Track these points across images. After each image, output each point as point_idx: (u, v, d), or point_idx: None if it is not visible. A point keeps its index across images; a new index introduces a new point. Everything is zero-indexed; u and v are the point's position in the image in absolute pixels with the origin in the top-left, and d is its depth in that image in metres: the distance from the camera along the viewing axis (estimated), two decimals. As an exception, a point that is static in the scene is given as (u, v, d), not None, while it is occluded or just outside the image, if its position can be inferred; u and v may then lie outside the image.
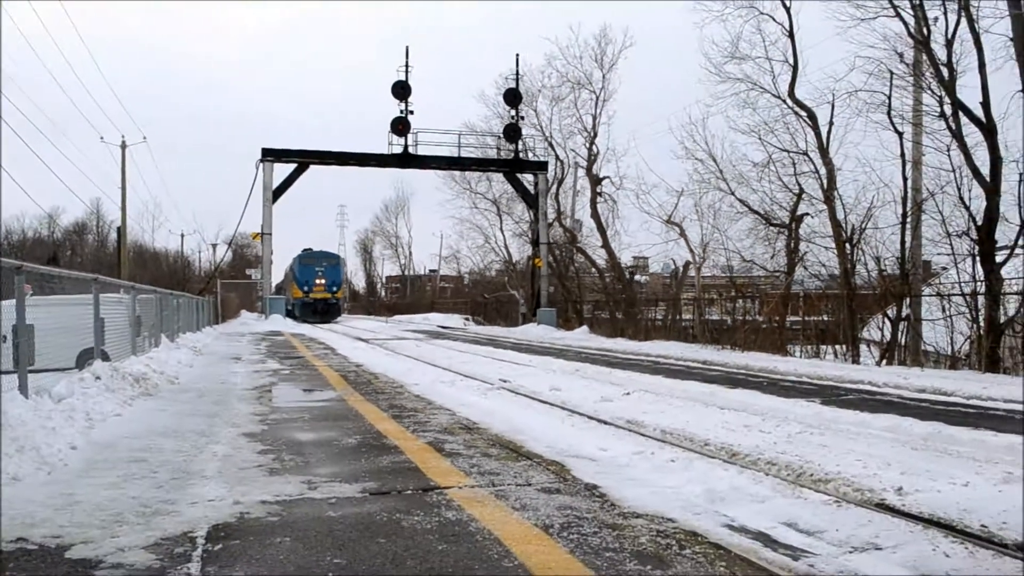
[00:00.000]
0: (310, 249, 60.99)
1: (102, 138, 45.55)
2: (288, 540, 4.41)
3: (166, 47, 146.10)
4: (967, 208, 20.86)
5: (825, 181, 25.10)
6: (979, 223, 20.13)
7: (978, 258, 20.30)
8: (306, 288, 56.06)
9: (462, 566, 3.98)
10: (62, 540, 4.40)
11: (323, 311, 55.73)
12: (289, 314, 50.64)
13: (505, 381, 13.89)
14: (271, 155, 40.87)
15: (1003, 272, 20.03)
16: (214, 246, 78.35)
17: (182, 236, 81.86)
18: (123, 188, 45.13)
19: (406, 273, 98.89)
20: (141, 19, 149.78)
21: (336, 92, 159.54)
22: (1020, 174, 20.47)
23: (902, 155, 22.61)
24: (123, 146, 45.22)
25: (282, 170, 41.25)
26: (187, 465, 6.47)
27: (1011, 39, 18.95)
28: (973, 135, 20.27)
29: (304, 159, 41.77)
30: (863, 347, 23.02)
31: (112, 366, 11.07)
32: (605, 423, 9.25)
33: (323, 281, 56.66)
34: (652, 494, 5.50)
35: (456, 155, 43.53)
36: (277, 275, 59.02)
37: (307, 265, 57.38)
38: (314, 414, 9.59)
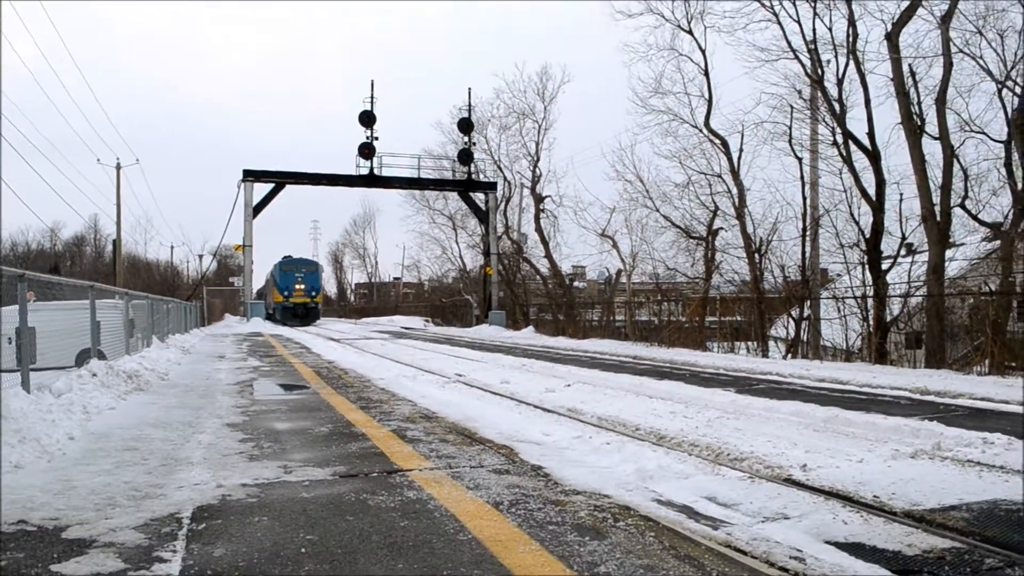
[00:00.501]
0: (290, 257, 56.86)
1: (98, 160, 45.18)
2: (266, 519, 4.31)
3: (156, 80, 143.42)
4: (857, 223, 21.42)
5: (737, 200, 25.42)
6: (867, 236, 20.58)
7: (867, 266, 20.74)
8: (286, 293, 52.29)
9: (422, 540, 3.91)
10: (59, 522, 4.25)
11: (303, 315, 52.08)
12: (270, 317, 49.01)
13: (461, 375, 13.82)
14: (251, 175, 40.21)
15: (888, 278, 20.53)
16: (200, 257, 76.94)
17: (172, 248, 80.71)
18: (118, 205, 44.16)
19: (373, 280, 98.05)
20: (133, 55, 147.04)
21: (309, 117, 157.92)
22: (900, 195, 21.06)
23: (801, 178, 23.07)
24: (118, 167, 44.25)
25: (261, 189, 40.57)
26: (175, 453, 6.31)
27: (891, 79, 19.43)
28: (861, 160, 20.73)
29: (281, 179, 41.16)
30: (771, 343, 23.32)
31: (108, 364, 10.79)
32: (549, 411, 9.23)
33: (303, 287, 52.71)
34: (590, 473, 5.47)
35: (416, 176, 43.22)
36: (258, 282, 57.77)
37: (287, 272, 53.42)
38: (290, 406, 9.42)
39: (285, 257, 56.19)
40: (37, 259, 69.76)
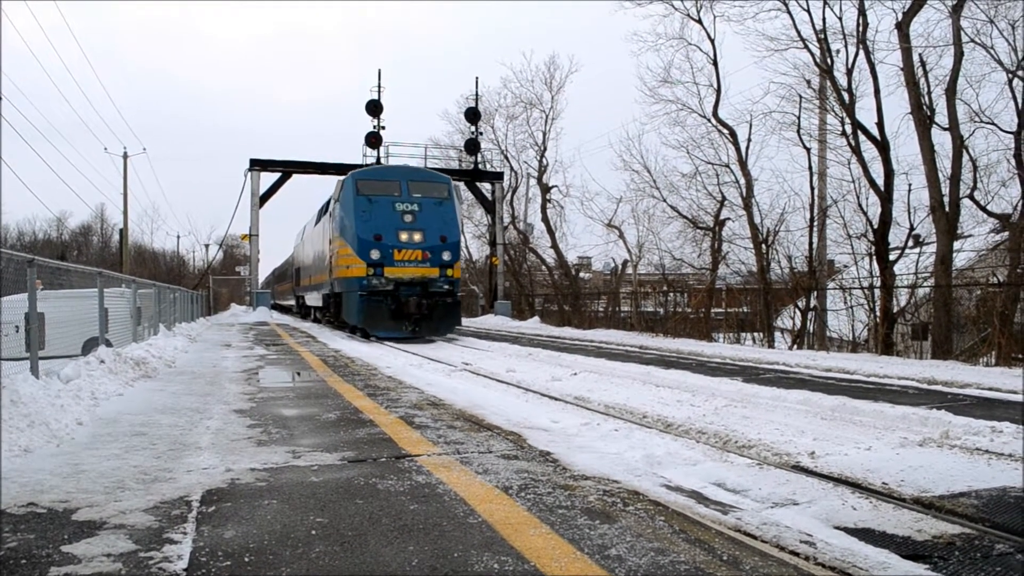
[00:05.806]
0: (377, 165, 29.86)
1: (105, 149, 45.63)
2: (275, 502, 4.31)
3: (162, 71, 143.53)
4: (865, 214, 21.36)
5: (744, 190, 25.39)
6: (875, 227, 20.52)
7: (874, 257, 20.69)
8: (376, 255, 21.00)
9: (432, 523, 3.92)
10: (69, 504, 4.26)
11: (422, 313, 20.95)
12: (320, 312, 29.27)
13: (467, 364, 13.83)
14: (258, 165, 40.08)
15: (895, 269, 20.45)
16: (207, 246, 77.20)
17: (178, 237, 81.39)
18: (125, 194, 44.33)
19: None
20: (140, 47, 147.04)
21: (316, 105, 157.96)
22: (909, 185, 20.99)
23: (809, 168, 23.03)
24: (125, 156, 44.39)
25: (268, 178, 40.47)
26: (183, 438, 6.32)
27: (901, 68, 19.33)
28: (870, 150, 20.68)
29: (288, 168, 40.99)
30: (777, 334, 23.28)
31: (115, 351, 10.82)
32: (556, 399, 9.23)
33: (418, 237, 21.34)
34: (598, 459, 5.47)
35: (423, 166, 43.17)
36: (264, 271, 57.03)
37: (379, 199, 21.67)
38: (297, 393, 9.44)
39: (365, 169, 26.02)
40: (44, 248, 69.86)
